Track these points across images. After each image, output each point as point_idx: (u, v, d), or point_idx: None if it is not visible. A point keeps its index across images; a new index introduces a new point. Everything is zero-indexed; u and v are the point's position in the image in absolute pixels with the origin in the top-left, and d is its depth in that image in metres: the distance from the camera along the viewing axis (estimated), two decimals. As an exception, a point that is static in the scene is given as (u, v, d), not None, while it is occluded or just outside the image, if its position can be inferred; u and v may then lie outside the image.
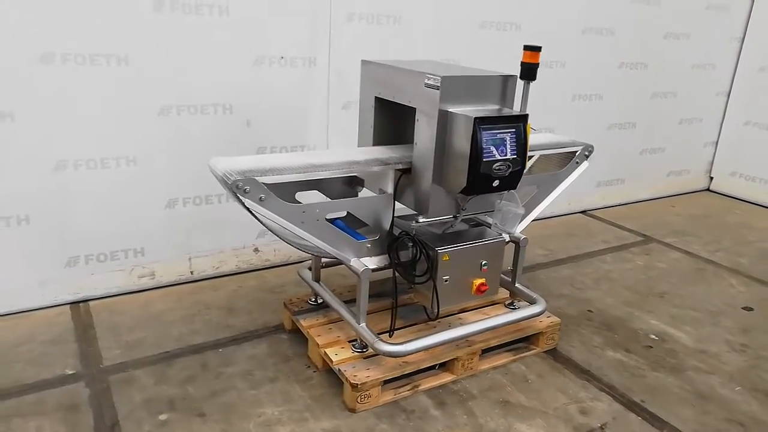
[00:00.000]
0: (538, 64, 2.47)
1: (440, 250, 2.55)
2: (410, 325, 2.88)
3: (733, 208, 5.75)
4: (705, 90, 5.79)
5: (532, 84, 2.55)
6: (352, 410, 2.49)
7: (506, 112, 2.48)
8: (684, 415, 2.62)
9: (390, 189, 2.61)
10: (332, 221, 2.56)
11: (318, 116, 3.67)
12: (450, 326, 2.85)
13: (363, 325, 2.63)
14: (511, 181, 2.50)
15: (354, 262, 2.59)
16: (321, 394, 2.61)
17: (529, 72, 2.48)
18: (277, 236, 2.50)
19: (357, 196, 2.92)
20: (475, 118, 2.32)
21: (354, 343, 2.71)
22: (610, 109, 5.07)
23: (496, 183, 2.46)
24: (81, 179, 3.07)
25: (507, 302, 3.14)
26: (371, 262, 2.63)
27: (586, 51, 4.69)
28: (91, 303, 3.26)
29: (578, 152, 3.18)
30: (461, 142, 2.39)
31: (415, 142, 2.58)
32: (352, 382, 2.47)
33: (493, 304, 3.14)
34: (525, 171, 2.57)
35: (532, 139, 2.69)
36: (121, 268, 3.33)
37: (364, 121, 2.92)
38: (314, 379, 2.71)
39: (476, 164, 2.36)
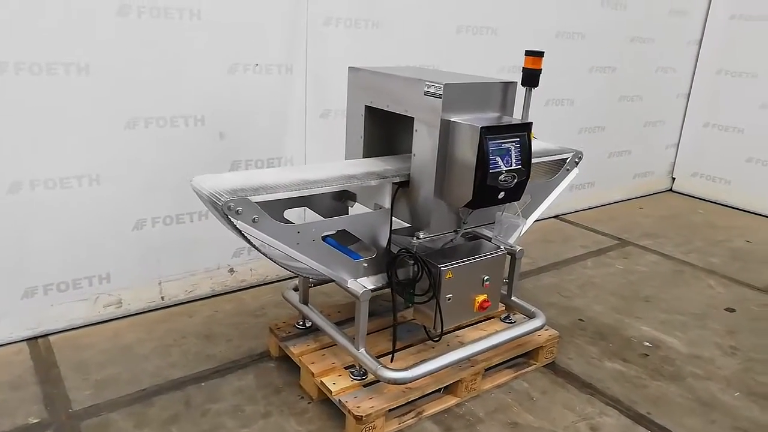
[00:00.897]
0: (540, 69, 2.37)
1: (443, 267, 2.41)
2: (407, 347, 2.73)
3: (697, 207, 5.87)
4: (667, 93, 5.90)
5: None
6: (357, 444, 2.32)
7: (510, 120, 2.37)
8: (691, 426, 2.57)
9: (387, 204, 2.45)
10: (323, 239, 2.38)
11: (295, 126, 3.47)
12: (449, 345, 2.72)
13: (362, 350, 2.46)
14: (516, 192, 2.39)
15: (351, 284, 2.41)
16: (319, 428, 2.42)
17: (531, 78, 2.38)
18: (271, 259, 2.30)
19: (348, 211, 2.75)
20: (482, 128, 2.19)
21: (352, 370, 2.53)
22: (581, 114, 5.08)
23: (501, 195, 2.34)
24: (38, 201, 2.77)
25: (503, 316, 3.03)
26: (369, 282, 2.47)
27: (559, 55, 4.66)
28: (51, 338, 2.95)
29: (569, 159, 3.11)
30: (466, 152, 2.25)
31: (413, 153, 2.43)
32: (355, 414, 2.29)
33: (488, 318, 3.02)
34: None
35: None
36: (84, 298, 3.03)
37: (353, 131, 2.75)
38: (310, 412, 2.52)
39: (483, 176, 2.23)
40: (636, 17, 5.14)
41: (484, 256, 2.56)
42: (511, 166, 2.30)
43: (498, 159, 2.26)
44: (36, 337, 2.93)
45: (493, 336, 2.67)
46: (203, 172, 3.13)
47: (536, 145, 3.16)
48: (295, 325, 2.88)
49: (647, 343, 3.23)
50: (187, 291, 3.34)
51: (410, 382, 2.36)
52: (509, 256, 2.84)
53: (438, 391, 2.57)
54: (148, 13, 2.82)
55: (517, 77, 2.45)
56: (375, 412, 2.31)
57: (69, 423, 2.37)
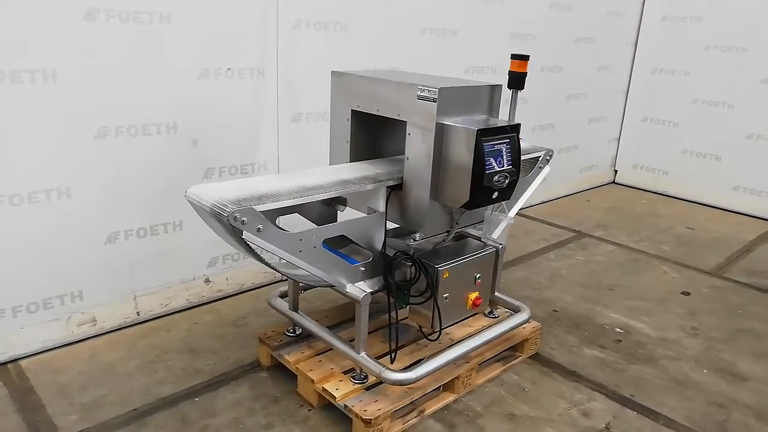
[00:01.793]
0: (526, 73, 2.46)
1: (440, 267, 2.46)
2: (400, 347, 2.75)
3: (639, 198, 6.22)
4: (608, 90, 6.21)
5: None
6: (365, 448, 2.32)
7: (502, 122, 2.43)
8: (671, 404, 2.74)
9: (382, 207, 2.47)
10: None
11: (268, 131, 3.42)
12: (441, 343, 2.77)
13: (363, 354, 2.46)
14: (507, 192, 2.46)
15: (350, 288, 2.42)
16: (324, 435, 2.41)
17: (517, 81, 2.46)
18: (273, 269, 2.27)
19: (337, 216, 2.74)
20: (478, 131, 2.25)
21: (352, 374, 2.54)
22: (534, 112, 5.27)
23: (495, 195, 2.41)
24: (4, 218, 2.60)
25: (486, 311, 3.11)
26: (366, 286, 2.48)
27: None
28: (23, 362, 2.77)
29: (541, 157, 3.23)
30: (461, 155, 2.31)
31: (406, 156, 2.46)
32: (363, 417, 2.30)
33: (473, 314, 3.09)
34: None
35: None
36: (56, 318, 2.87)
37: (339, 135, 2.74)
38: (312, 419, 2.50)
39: (479, 177, 2.29)
40: (580, 18, 5.39)
41: (475, 254, 2.62)
42: (503, 166, 2.37)
43: (492, 160, 2.32)
44: (5, 363, 2.75)
45: (486, 331, 2.74)
46: (177, 181, 3.08)
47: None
48: (285, 333, 2.85)
49: (619, 329, 3.40)
50: (163, 304, 3.22)
51: (414, 382, 2.39)
52: (493, 253, 2.92)
53: (438, 389, 2.62)
54: (116, 17, 2.70)
55: (481, 78, 2.53)
56: (382, 414, 2.33)
57: (60, 451, 2.25)
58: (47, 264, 2.78)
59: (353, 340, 2.74)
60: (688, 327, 3.48)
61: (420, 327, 2.71)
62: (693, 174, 6.08)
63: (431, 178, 2.37)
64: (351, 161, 2.72)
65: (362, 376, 2.51)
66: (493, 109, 2.54)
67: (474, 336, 2.70)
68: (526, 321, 2.93)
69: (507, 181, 2.40)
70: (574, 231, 5.05)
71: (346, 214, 2.70)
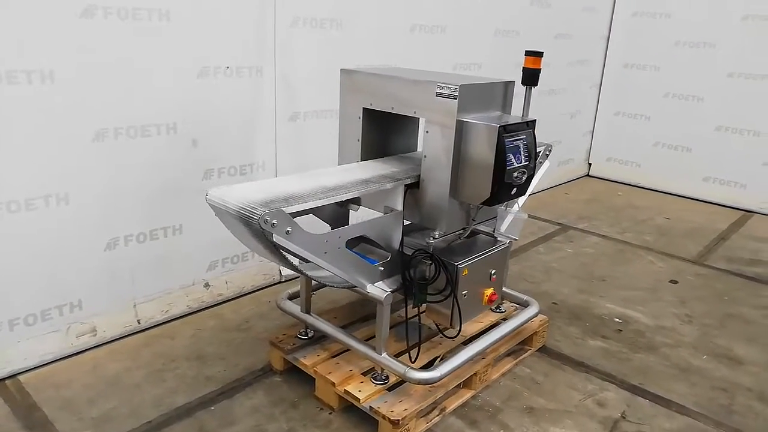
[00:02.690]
0: (540, 69, 2.47)
1: (460, 264, 2.46)
2: (414, 346, 2.74)
3: (615, 190, 6.38)
4: (583, 85, 6.35)
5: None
6: (394, 448, 2.31)
7: (519, 119, 2.45)
8: (679, 390, 2.82)
9: (400, 206, 2.45)
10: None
11: (265, 130, 3.35)
12: (454, 341, 2.77)
13: (385, 355, 2.44)
14: (524, 187, 2.48)
15: (371, 289, 2.39)
16: (349, 437, 2.39)
17: (531, 77, 2.47)
18: (300, 272, 2.22)
19: (349, 215, 2.71)
20: (500, 127, 2.25)
21: (372, 375, 2.51)
22: (518, 109, 5.31)
23: (514, 191, 2.42)
24: (0, 226, 2.46)
25: (493, 306, 3.13)
26: (385, 286, 2.45)
27: (498, 52, 4.87)
28: (21, 377, 2.64)
29: (541, 152, 3.27)
30: (482, 152, 2.31)
31: (423, 154, 2.45)
32: (391, 418, 2.28)
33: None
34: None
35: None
36: (55, 329, 2.74)
37: (349, 134, 2.70)
38: (335, 422, 2.47)
39: (500, 173, 2.30)
40: (558, 14, 5.47)
41: (491, 250, 2.63)
42: (521, 162, 2.39)
43: (511, 156, 2.33)
44: (4, 379, 2.61)
45: (501, 326, 2.76)
46: (177, 183, 2.99)
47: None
48: (297, 336, 2.80)
49: (617, 319, 3.48)
50: (163, 311, 3.12)
51: (438, 381, 2.39)
52: (501, 249, 2.94)
53: (458, 386, 2.62)
54: (115, 14, 2.59)
55: (468, 74, 2.54)
56: (409, 414, 2.31)
57: (78, 469, 2.15)
58: (45, 273, 2.65)
59: (369, 339, 2.74)
60: (682, 314, 3.59)
61: (437, 325, 2.71)
62: (665, 166, 6.28)
63: (450, 176, 2.37)
64: (361, 160, 2.69)
65: (383, 377, 2.49)
66: (506, 105, 2.56)
67: (491, 331, 2.71)
68: (536, 315, 2.96)
69: (525, 177, 2.42)
70: (559, 224, 5.14)
71: (359, 214, 2.68)
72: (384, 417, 2.30)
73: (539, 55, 2.44)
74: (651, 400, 2.73)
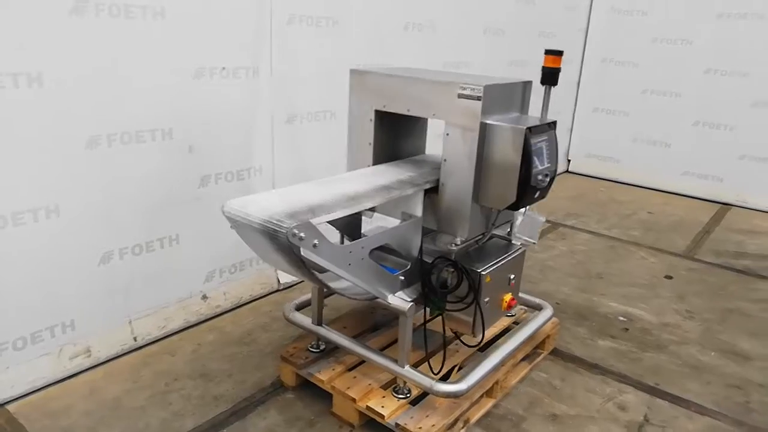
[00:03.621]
0: (559, 68, 2.41)
1: (483, 271, 2.38)
2: (431, 354, 2.65)
3: (596, 186, 6.43)
4: (562, 81, 6.34)
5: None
6: (423, 466, 2.21)
7: (541, 120, 2.38)
8: (694, 389, 2.81)
9: (419, 212, 2.35)
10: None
11: (263, 133, 3.20)
12: (470, 347, 2.69)
13: (408, 367, 2.35)
14: (546, 190, 2.42)
15: (393, 299, 2.29)
16: (373, 455, 2.28)
17: (550, 76, 2.40)
18: (323, 285, 2.09)
19: (361, 222, 2.59)
20: (527, 129, 2.18)
21: (394, 388, 2.41)
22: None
23: (537, 194, 2.35)
24: (-13, 245, 2.26)
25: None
26: (405, 296, 2.36)
27: (487, 50, 4.82)
28: (10, 406, 2.44)
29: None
30: (508, 154, 2.23)
31: (443, 158, 2.35)
32: (421, 435, 2.18)
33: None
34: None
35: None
36: (46, 352, 2.55)
37: (360, 137, 2.59)
38: (357, 440, 2.36)
39: (526, 177, 2.23)
40: (541, 12, 5.46)
41: (509, 255, 2.56)
42: (544, 165, 2.32)
43: (535, 159, 2.26)
44: (-8, 409, 2.41)
45: (520, 332, 2.69)
46: (173, 192, 2.83)
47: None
48: (308, 349, 2.67)
49: (622, 318, 3.47)
50: (160, 326, 2.95)
51: (466, 393, 2.30)
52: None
53: (481, 396, 2.54)
54: (107, 11, 2.40)
55: (460, 70, 2.47)
56: (437, 429, 2.23)
57: (89, 507, 1.98)
58: (35, 293, 2.45)
59: (383, 349, 2.64)
60: (683, 310, 3.61)
61: (456, 333, 2.63)
62: (644, 161, 6.36)
63: (474, 180, 2.28)
64: (374, 164, 2.58)
65: (406, 390, 2.39)
66: (524, 105, 2.49)
67: (510, 338, 2.64)
68: (551, 318, 2.91)
69: (548, 179, 2.35)
70: (548, 221, 5.12)
71: (374, 221, 2.57)
72: (412, 433, 2.20)
73: (559, 54, 2.38)
74: (670, 401, 2.71)
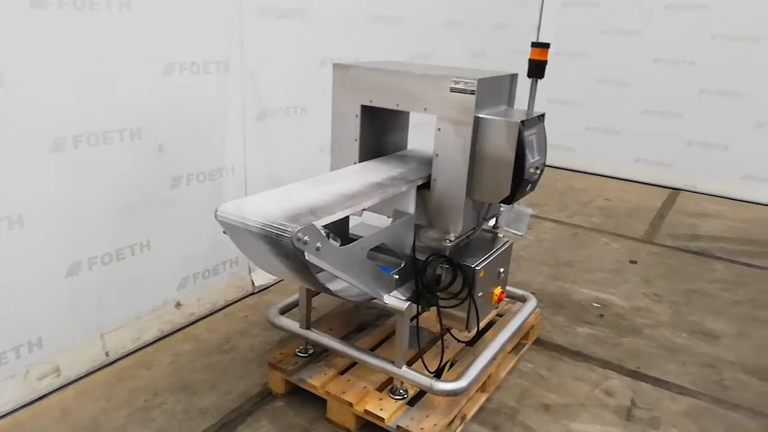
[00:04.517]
0: (546, 61, 2.41)
1: (477, 266, 2.36)
2: (423, 352, 2.62)
3: (553, 175, 6.57)
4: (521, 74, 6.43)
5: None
6: (427, 467, 2.18)
7: (532, 113, 2.37)
8: (673, 371, 2.91)
9: (412, 209, 2.31)
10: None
11: (234, 131, 3.06)
12: (459, 343, 2.68)
13: (405, 368, 2.30)
14: (536, 183, 2.42)
15: (389, 299, 2.24)
16: (375, 459, 2.23)
17: (537, 69, 2.40)
18: (325, 291, 2.02)
19: (348, 221, 2.52)
20: (521, 122, 2.16)
21: (390, 390, 2.37)
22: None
23: (529, 187, 2.35)
24: (-56, 261, 2.05)
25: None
26: (400, 294, 2.31)
27: (450, 43, 4.81)
28: (-23, 435, 2.24)
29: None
30: (501, 148, 2.21)
31: (435, 153, 2.31)
32: (424, 436, 2.15)
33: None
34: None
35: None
36: (12, 374, 2.35)
37: (344, 133, 2.51)
38: (356, 445, 2.30)
39: (521, 170, 2.22)
40: (495, 5, 5.50)
41: (500, 248, 2.56)
42: (535, 157, 2.32)
43: (527, 152, 2.26)
44: (-45, 440, 2.20)
45: (509, 324, 2.70)
46: (144, 195, 2.68)
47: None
48: (296, 354, 2.58)
49: (596, 304, 3.55)
50: (134, 338, 2.78)
51: (466, 390, 2.28)
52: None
53: (475, 391, 2.53)
54: (70, 3, 2.22)
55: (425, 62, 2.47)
56: (439, 428, 2.20)
57: None
58: (-1, 311, 2.25)
59: (374, 349, 2.59)
60: (650, 294, 3.73)
61: (448, 329, 2.60)
62: (597, 149, 6.54)
63: (468, 175, 2.25)
64: (360, 161, 2.51)
65: (403, 391, 2.35)
66: (511, 98, 2.48)
67: (500, 330, 2.64)
68: (536, 309, 2.94)
69: (539, 172, 2.36)
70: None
71: (362, 219, 2.51)
72: (415, 435, 2.17)
73: (546, 46, 2.38)
74: (653, 384, 2.79)
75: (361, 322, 2.87)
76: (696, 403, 2.68)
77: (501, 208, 2.66)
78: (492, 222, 2.73)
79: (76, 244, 2.46)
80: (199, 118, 2.85)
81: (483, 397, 2.58)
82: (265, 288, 3.47)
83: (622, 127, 6.37)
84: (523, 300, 2.97)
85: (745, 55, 5.62)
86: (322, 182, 2.16)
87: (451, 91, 2.20)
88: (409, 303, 2.22)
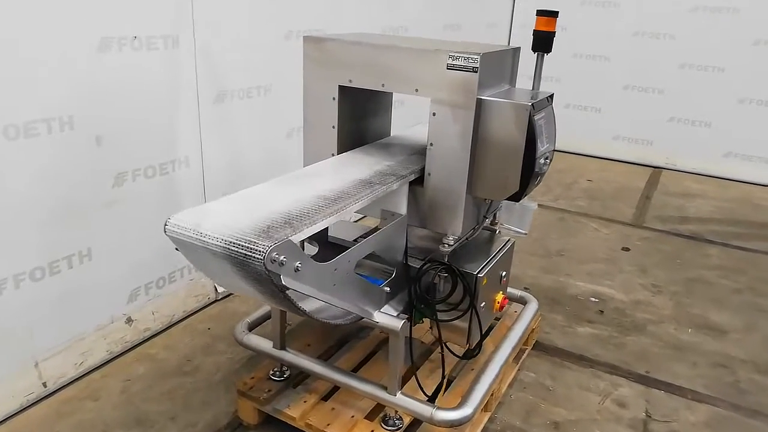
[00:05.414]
0: (554, 32, 2.06)
1: (479, 273, 2.03)
2: (414, 369, 2.30)
3: (531, 154, 6.29)
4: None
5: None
6: None
7: (529, 92, 2.03)
8: (684, 374, 2.67)
9: (403, 209, 1.95)
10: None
11: (187, 116, 2.64)
12: (454, 357, 2.36)
13: (400, 395, 1.97)
14: (544, 174, 2.10)
15: (380, 317, 1.89)
16: (367, 503, 1.90)
17: (544, 42, 2.06)
18: (306, 316, 1.65)
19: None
20: (531, 106, 1.82)
21: (382, 418, 2.04)
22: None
23: (538, 179, 2.03)
24: None
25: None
26: (392, 309, 1.97)
27: (422, 15, 4.42)
28: None
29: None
30: (509, 136, 1.87)
31: (429, 142, 1.95)
32: (425, 475, 1.83)
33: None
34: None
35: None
36: None
37: (320, 119, 2.13)
38: (345, 485, 1.97)
39: (530, 162, 1.89)
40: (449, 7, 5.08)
41: (501, 250, 2.24)
42: (544, 146, 1.99)
43: (538, 140, 1.92)
44: None
45: (512, 334, 2.40)
46: (81, 196, 2.25)
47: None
48: (269, 378, 2.23)
49: (593, 299, 3.29)
50: (76, 364, 2.37)
51: (472, 418, 1.97)
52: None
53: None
54: (-29, -39, 1.76)
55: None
56: (442, 464, 1.89)
57: None
58: None
59: (357, 369, 2.27)
60: (649, 285, 3.49)
61: (446, 344, 2.28)
62: (574, 127, 6.27)
63: (469, 167, 1.91)
64: (338, 152, 2.13)
65: (397, 419, 2.03)
66: (513, 76, 2.14)
67: (503, 342, 2.33)
68: (537, 312, 2.64)
69: (549, 162, 2.03)
70: (494, 196, 4.89)
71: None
72: (415, 475, 1.85)
73: (554, 15, 2.03)
74: (665, 391, 2.54)
75: (343, 333, 2.53)
76: (714, 411, 2.44)
77: (502, 204, 2.33)
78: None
79: (-3, 260, 2.02)
80: (146, 103, 2.42)
81: (486, 417, 2.28)
82: (230, 294, 3.09)
83: (602, 103, 6.12)
84: (522, 301, 2.68)
85: (726, 27, 5.40)
86: (297, 180, 1.78)
87: (447, 69, 1.84)
88: (404, 321, 1.88)
